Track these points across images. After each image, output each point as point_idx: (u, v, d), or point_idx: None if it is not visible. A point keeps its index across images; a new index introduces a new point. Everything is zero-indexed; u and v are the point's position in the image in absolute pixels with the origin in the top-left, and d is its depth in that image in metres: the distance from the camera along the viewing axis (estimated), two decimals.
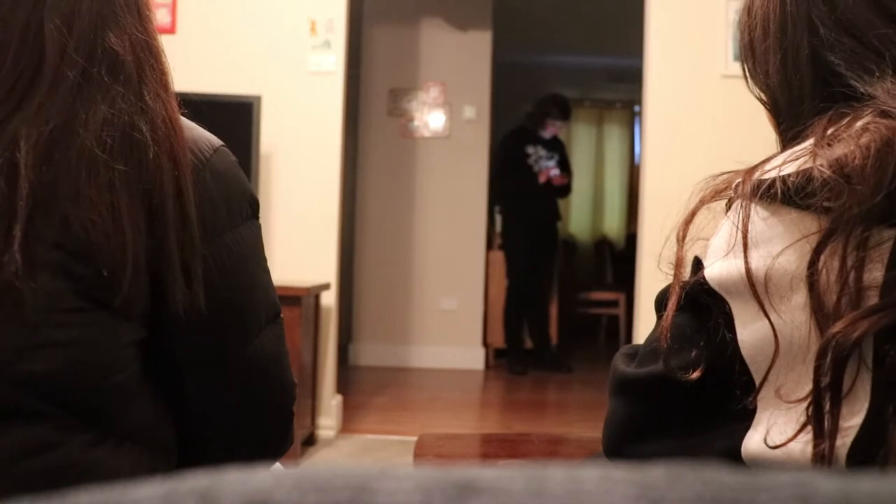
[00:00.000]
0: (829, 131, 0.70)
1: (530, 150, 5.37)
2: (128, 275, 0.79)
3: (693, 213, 0.76)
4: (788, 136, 0.78)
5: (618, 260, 7.51)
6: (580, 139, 8.29)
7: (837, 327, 0.64)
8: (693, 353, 0.75)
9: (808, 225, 0.67)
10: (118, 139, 0.81)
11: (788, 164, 0.70)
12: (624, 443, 0.83)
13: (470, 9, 5.51)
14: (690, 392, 0.76)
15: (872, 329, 0.63)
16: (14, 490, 0.76)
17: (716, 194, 0.76)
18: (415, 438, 1.48)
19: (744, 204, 0.71)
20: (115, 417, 0.83)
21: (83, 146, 0.79)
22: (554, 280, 5.72)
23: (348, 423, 3.87)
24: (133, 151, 0.81)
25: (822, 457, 0.66)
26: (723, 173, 0.77)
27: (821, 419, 0.66)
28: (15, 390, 0.77)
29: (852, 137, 0.67)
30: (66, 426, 0.79)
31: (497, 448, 1.60)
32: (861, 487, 0.23)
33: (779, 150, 0.80)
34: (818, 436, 0.66)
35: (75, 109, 0.80)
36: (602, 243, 7.99)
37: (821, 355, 0.65)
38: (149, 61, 0.87)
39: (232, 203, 0.90)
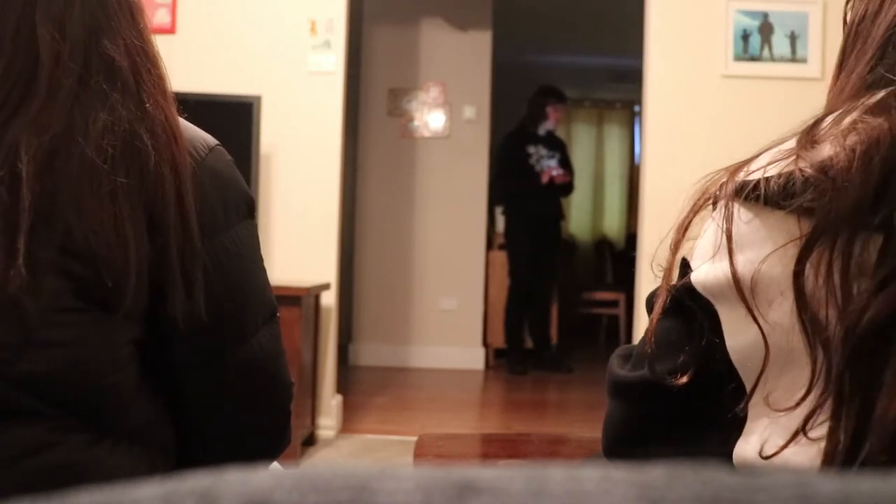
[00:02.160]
0: (811, 131, 0.68)
1: (531, 149, 5.37)
2: (131, 284, 0.79)
3: (687, 222, 0.75)
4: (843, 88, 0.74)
5: (618, 260, 7.51)
6: (580, 139, 8.29)
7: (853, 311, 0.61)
8: (681, 359, 0.74)
9: (793, 229, 0.65)
10: (119, 148, 0.80)
11: (773, 164, 0.68)
12: (621, 444, 0.83)
13: (470, 9, 5.51)
14: (682, 397, 0.74)
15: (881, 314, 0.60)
16: (13, 490, 0.76)
17: (707, 199, 0.74)
18: (415, 438, 1.48)
19: (727, 205, 0.69)
20: (114, 417, 0.83)
21: (84, 156, 0.78)
22: (556, 279, 5.72)
23: (348, 423, 3.87)
24: (134, 160, 0.81)
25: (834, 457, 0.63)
26: (712, 173, 0.75)
27: (839, 417, 0.62)
28: (14, 390, 0.77)
29: (837, 137, 0.65)
30: (65, 426, 0.79)
31: (497, 448, 1.60)
32: (861, 487, 0.23)
33: (826, 103, 0.76)
34: (833, 433, 0.62)
35: (74, 117, 0.79)
36: (602, 243, 7.99)
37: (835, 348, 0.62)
38: (146, 67, 0.86)
39: (228, 203, 0.90)
